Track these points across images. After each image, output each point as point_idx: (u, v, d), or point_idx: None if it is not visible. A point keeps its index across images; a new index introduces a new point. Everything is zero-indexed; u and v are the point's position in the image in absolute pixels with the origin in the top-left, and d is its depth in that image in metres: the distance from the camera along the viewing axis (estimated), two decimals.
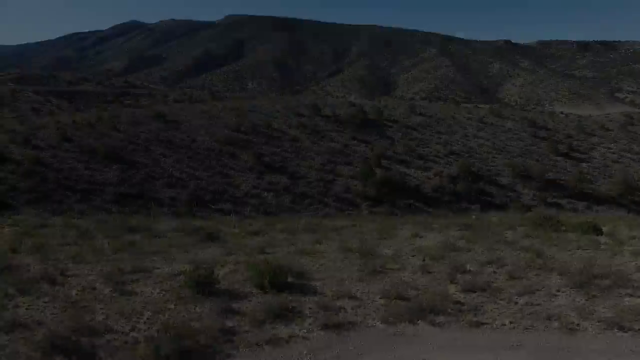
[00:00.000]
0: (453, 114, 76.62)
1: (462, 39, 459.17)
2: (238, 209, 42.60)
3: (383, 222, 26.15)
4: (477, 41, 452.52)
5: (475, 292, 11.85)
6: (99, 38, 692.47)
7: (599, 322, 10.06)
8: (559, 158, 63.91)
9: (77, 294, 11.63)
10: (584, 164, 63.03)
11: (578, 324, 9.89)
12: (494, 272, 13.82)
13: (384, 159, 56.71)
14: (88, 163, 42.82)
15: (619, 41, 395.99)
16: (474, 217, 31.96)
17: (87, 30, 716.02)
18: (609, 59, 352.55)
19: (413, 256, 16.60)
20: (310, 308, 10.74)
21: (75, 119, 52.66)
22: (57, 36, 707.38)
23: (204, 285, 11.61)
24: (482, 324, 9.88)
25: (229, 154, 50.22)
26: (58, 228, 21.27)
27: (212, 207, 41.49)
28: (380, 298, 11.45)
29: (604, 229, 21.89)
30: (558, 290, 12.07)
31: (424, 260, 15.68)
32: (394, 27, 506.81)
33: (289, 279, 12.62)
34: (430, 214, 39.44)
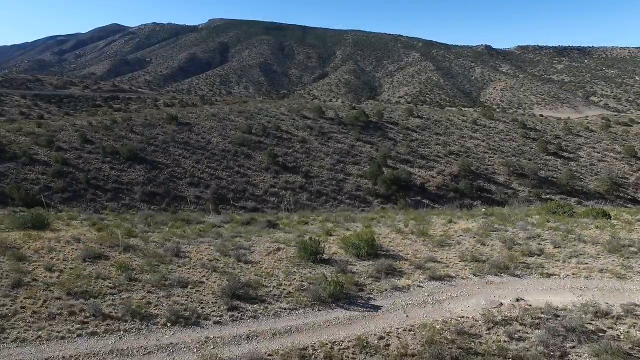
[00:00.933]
0: (448, 116, 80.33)
1: (444, 43, 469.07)
2: (259, 206, 44.80)
3: (410, 214, 28.90)
4: (457, 46, 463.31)
5: (533, 256, 14.62)
6: (79, 41, 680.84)
7: (637, 272, 12.90)
8: (549, 157, 68.04)
9: (209, 263, 13.85)
10: (572, 163, 67.28)
11: (624, 274, 12.71)
12: (539, 244, 16.64)
13: (389, 159, 59.72)
14: (112, 164, 44.39)
15: (593, 47, 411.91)
16: (483, 210, 34.97)
17: (65, 34, 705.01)
18: (583, 64, 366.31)
19: (460, 235, 19.33)
20: (408, 268, 13.28)
21: (91, 121, 53.89)
22: (34, 39, 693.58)
23: (314, 254, 14.02)
24: (551, 275, 12.61)
25: (244, 155, 52.31)
26: (120, 221, 23.30)
27: (236, 204, 43.59)
28: (459, 261, 14.07)
29: (611, 214, 25.18)
30: (597, 255, 14.94)
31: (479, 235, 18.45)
32: (377, 32, 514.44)
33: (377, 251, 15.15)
34: (439, 209, 42.48)
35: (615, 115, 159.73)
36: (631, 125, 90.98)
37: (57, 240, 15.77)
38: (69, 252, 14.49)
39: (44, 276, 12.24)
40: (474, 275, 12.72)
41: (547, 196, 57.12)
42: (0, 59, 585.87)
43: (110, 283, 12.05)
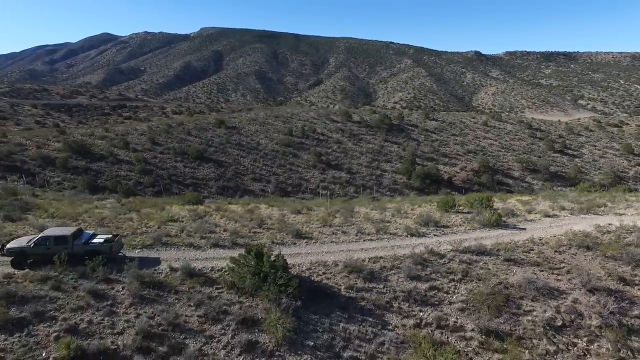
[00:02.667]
0: (461, 119, 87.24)
1: (434, 50, 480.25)
2: (315, 197, 50.57)
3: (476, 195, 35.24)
4: (448, 52, 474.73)
5: (601, 207, 20.96)
6: (69, 50, 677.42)
7: None
8: (556, 155, 75.11)
9: (396, 211, 19.93)
10: (577, 159, 74.44)
11: None
12: (601, 201, 23.04)
13: (416, 157, 65.96)
14: (184, 162, 49.86)
15: (578, 52, 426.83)
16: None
17: (54, 43, 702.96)
18: (570, 68, 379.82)
19: (537, 200, 25.68)
20: (522, 212, 19.61)
21: (150, 126, 59.18)
22: (22, 49, 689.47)
23: (451, 207, 20.13)
24: (622, 214, 18.95)
25: (291, 154, 58.09)
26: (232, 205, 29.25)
27: (295, 197, 49.30)
28: (551, 209, 20.41)
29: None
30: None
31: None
32: (369, 39, 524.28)
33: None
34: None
35: (605, 117, 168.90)
36: (621, 126, 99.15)
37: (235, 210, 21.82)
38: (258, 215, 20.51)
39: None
40: (571, 214, 19.01)
41: (559, 189, 63.97)
42: None
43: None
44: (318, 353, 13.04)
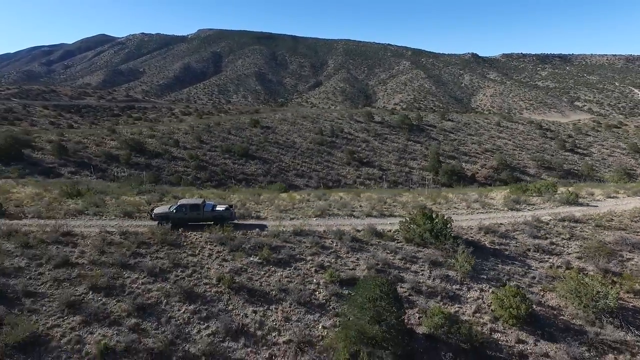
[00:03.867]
0: (475, 119, 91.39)
1: (432, 52, 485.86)
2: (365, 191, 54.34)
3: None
4: (445, 54, 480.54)
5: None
6: (66, 52, 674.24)
7: None
8: (567, 153, 79.37)
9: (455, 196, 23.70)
10: (587, 158, 78.77)
11: None
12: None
13: (439, 156, 69.80)
14: (232, 160, 53.31)
15: (573, 54, 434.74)
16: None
17: (49, 44, 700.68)
18: (565, 70, 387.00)
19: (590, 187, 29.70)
20: (586, 196, 23.57)
21: (192, 126, 62.51)
22: (16, 50, 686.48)
23: (524, 191, 23.94)
24: None
25: (326, 153, 61.69)
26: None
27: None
28: (604, 196, 24.38)
29: None
30: None
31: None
32: (367, 41, 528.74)
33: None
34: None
35: (605, 118, 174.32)
36: (620, 127, 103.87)
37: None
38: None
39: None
40: (628, 196, 23.00)
41: (575, 184, 68.15)
42: None
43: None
44: (491, 282, 18.87)
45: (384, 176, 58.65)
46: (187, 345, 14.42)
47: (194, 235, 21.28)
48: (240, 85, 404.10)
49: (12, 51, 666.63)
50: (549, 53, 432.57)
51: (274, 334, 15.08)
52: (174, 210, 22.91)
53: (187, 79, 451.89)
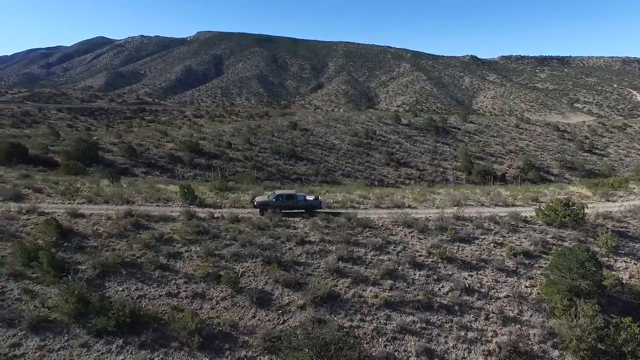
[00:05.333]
0: (495, 122, 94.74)
1: (431, 54, 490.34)
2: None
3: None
4: (445, 56, 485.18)
5: None
6: (65, 54, 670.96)
7: None
8: (586, 154, 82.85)
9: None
10: (605, 158, 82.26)
11: None
12: None
13: (468, 156, 72.88)
14: (282, 160, 56.10)
15: (570, 56, 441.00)
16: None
17: (46, 46, 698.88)
18: (564, 72, 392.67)
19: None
20: (622, 195, 27.17)
21: (237, 128, 65.19)
22: (13, 52, 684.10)
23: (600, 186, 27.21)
24: None
25: (365, 154, 64.62)
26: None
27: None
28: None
29: None
30: None
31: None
32: (366, 44, 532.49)
33: None
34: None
35: (609, 120, 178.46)
36: (625, 128, 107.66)
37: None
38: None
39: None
40: None
41: None
42: None
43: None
44: (629, 256, 23.20)
45: (421, 176, 61.68)
46: (438, 298, 19.32)
47: (382, 219, 26.45)
48: (242, 87, 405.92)
49: (8, 53, 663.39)
50: (547, 55, 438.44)
51: (493, 291, 20.05)
52: (273, 199, 26.67)
53: (189, 82, 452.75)
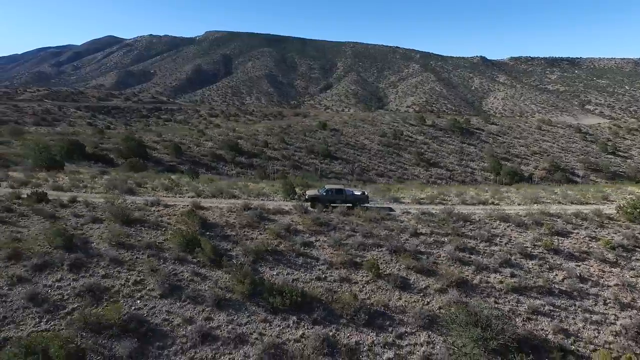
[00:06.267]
0: (517, 123, 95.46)
1: (440, 55, 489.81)
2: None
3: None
4: (454, 57, 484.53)
5: None
6: (75, 53, 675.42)
7: None
8: (609, 156, 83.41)
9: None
10: (629, 160, 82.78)
11: None
12: None
13: (494, 157, 73.78)
14: (318, 159, 57.27)
15: (581, 58, 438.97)
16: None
17: (55, 45, 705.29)
18: (574, 74, 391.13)
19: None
20: None
21: (270, 127, 66.51)
22: (23, 50, 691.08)
23: None
24: None
25: (394, 154, 65.68)
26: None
27: None
28: None
29: None
30: None
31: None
32: (375, 44, 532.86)
33: None
34: None
35: (625, 122, 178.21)
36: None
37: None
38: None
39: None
40: None
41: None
42: None
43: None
44: None
45: (451, 176, 62.67)
46: (556, 285, 21.32)
47: (476, 215, 28.34)
48: (252, 87, 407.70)
49: (19, 52, 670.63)
50: (557, 56, 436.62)
51: (602, 280, 21.77)
52: (324, 193, 28.29)
53: (199, 81, 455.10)
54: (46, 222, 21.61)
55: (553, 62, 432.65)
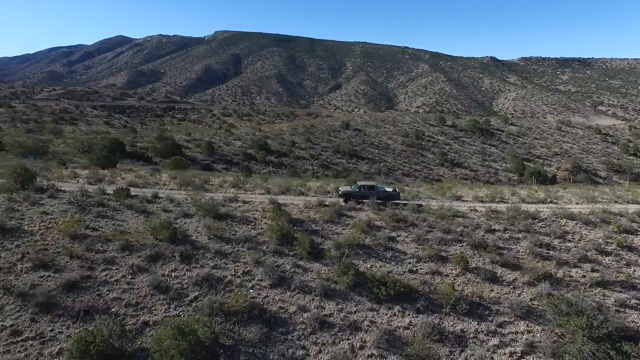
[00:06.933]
0: (536, 124, 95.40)
1: (449, 55, 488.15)
2: None
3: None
4: (463, 57, 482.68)
5: None
6: (86, 53, 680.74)
7: None
8: (631, 157, 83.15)
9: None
10: None
11: None
12: None
13: (517, 158, 73.90)
14: (344, 159, 57.87)
15: (593, 58, 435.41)
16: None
17: (66, 45, 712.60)
18: (586, 74, 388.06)
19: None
20: None
21: (294, 126, 67.26)
22: (35, 50, 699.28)
23: None
24: None
25: (418, 154, 66.11)
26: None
27: None
28: None
29: None
30: None
31: None
32: (384, 44, 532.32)
33: None
34: None
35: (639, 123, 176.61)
36: None
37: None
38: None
39: None
40: None
41: None
42: (4, 70, 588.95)
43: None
44: None
45: (475, 176, 62.95)
46: (637, 280, 21.70)
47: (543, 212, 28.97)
48: (262, 87, 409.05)
49: (31, 52, 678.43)
50: (568, 57, 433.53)
51: None
52: (356, 189, 29.11)
53: (209, 81, 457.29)
54: (140, 216, 22.71)
55: (564, 63, 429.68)
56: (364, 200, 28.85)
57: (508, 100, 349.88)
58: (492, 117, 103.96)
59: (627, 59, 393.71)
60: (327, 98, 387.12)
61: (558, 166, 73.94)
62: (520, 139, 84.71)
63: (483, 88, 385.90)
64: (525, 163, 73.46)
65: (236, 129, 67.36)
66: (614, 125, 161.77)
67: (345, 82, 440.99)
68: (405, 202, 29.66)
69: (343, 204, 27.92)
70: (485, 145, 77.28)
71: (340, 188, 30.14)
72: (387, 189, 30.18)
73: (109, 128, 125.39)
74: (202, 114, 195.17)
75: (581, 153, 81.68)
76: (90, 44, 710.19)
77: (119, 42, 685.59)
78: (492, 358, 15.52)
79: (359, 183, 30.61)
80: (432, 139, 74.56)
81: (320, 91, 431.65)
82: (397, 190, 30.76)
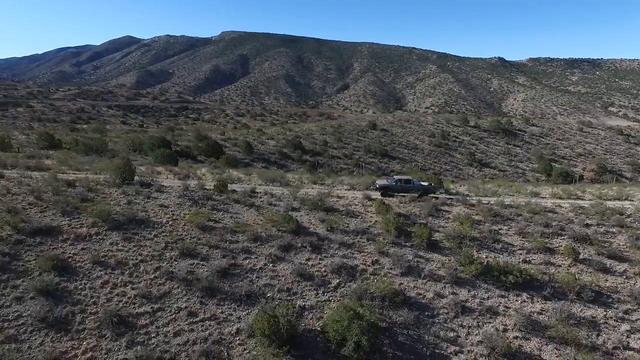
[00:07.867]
0: (557, 125, 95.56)
1: (457, 56, 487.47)
2: None
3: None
4: (471, 58, 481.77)
5: None
6: (94, 53, 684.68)
7: None
8: None
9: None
10: None
11: None
12: None
13: (543, 158, 74.14)
14: (375, 158, 58.46)
15: (602, 59, 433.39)
16: None
17: (74, 45, 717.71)
18: (595, 75, 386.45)
19: None
20: None
21: (322, 126, 67.94)
22: (43, 50, 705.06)
23: None
24: None
25: (446, 154, 66.58)
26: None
27: None
28: None
29: None
30: None
31: None
32: (391, 45, 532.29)
33: None
34: None
35: None
36: None
37: None
38: None
39: None
40: None
41: None
42: (15, 70, 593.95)
43: None
44: None
45: (503, 176, 63.29)
46: None
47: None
48: (270, 87, 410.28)
49: (39, 52, 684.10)
50: (576, 57, 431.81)
51: None
52: (393, 183, 30.15)
53: (217, 81, 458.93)
54: (250, 209, 23.57)
55: (573, 63, 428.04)
56: (403, 194, 29.72)
57: (517, 101, 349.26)
58: (513, 118, 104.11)
59: (637, 59, 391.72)
60: (336, 98, 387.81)
61: (583, 167, 74.17)
62: (543, 139, 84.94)
63: (492, 89, 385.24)
64: (551, 164, 73.71)
65: (267, 129, 68.12)
66: (629, 126, 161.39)
67: (353, 83, 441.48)
68: (448, 196, 30.90)
69: (380, 197, 28.91)
70: (509, 146, 77.61)
71: (377, 181, 31.24)
72: (423, 183, 31.14)
73: (137, 128, 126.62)
74: (216, 114, 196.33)
75: (605, 154, 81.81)
76: (98, 44, 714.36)
77: (126, 43, 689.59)
78: (629, 343, 16.19)
79: (396, 177, 31.77)
80: (457, 139, 74.98)
81: (328, 92, 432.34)
82: (432, 184, 31.97)
